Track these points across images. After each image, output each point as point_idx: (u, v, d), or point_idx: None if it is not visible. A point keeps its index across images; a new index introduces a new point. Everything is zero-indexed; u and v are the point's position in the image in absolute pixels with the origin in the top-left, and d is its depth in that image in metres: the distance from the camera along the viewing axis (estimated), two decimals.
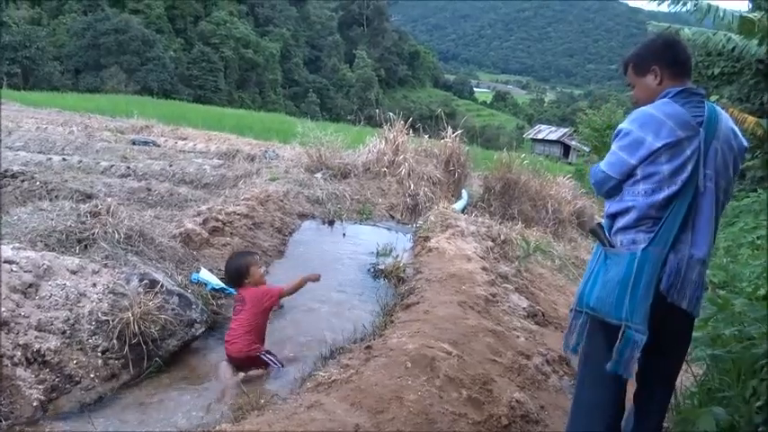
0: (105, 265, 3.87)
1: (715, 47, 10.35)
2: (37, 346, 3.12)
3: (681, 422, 2.58)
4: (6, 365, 2.94)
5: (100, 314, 3.48)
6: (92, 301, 3.54)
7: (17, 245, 3.75)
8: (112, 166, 10.18)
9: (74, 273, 3.66)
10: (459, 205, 8.72)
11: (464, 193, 9.63)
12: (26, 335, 3.13)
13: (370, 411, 2.72)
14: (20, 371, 2.98)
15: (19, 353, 3.03)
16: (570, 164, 37.79)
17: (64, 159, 10.47)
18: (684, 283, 2.12)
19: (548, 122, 76.14)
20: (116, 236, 4.24)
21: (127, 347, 3.45)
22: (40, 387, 3.01)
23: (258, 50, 70.90)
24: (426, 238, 6.21)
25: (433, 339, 3.50)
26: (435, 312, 4.02)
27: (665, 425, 2.56)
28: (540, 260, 6.44)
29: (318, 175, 8.82)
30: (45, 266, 3.55)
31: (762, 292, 4.09)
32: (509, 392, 3.18)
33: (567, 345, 2.34)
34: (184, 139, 15.86)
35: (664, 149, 2.09)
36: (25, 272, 3.44)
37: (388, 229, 7.45)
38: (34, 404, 2.93)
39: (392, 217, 8.22)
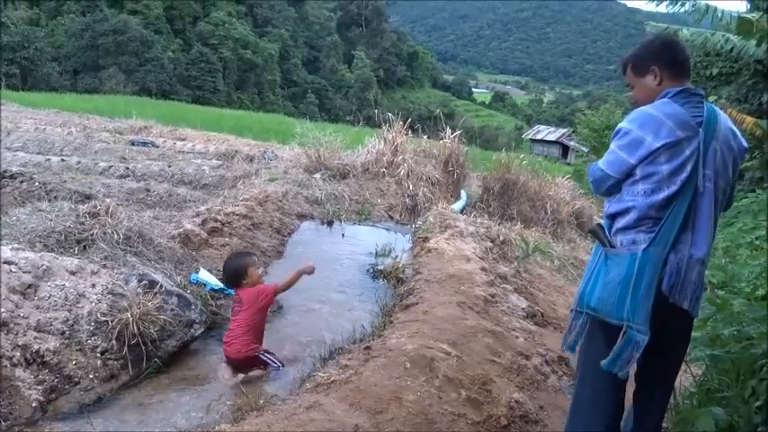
0: (104, 266, 3.87)
1: (713, 47, 10.36)
2: (36, 346, 3.12)
3: (680, 422, 2.58)
4: (5, 366, 2.94)
5: (99, 315, 3.48)
6: (91, 302, 3.54)
7: (16, 245, 3.75)
8: (111, 166, 10.17)
9: (73, 273, 3.66)
10: (458, 206, 8.73)
11: (463, 194, 9.63)
12: (25, 335, 3.13)
13: (369, 412, 2.73)
14: (19, 371, 2.98)
15: (18, 353, 3.03)
16: (569, 164, 37.77)
17: (63, 160, 10.46)
18: (685, 283, 2.13)
19: (546, 123, 76.14)
20: (115, 236, 4.24)
21: (126, 348, 3.45)
22: (39, 388, 3.01)
23: (257, 51, 70.90)
24: (425, 239, 6.21)
25: (432, 340, 3.50)
26: (434, 313, 4.02)
27: (664, 425, 2.57)
28: (539, 261, 6.44)
29: (317, 175, 8.82)
30: (44, 267, 3.55)
31: (760, 292, 4.09)
32: (508, 393, 3.18)
33: (566, 342, 2.34)
34: (183, 139, 15.85)
35: (663, 149, 2.09)
36: (24, 272, 3.44)
37: (387, 229, 7.45)
38: (33, 405, 2.93)
39: (391, 217, 8.22)
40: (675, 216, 2.10)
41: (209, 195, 8.10)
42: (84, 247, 4.09)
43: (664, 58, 2.27)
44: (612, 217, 2.25)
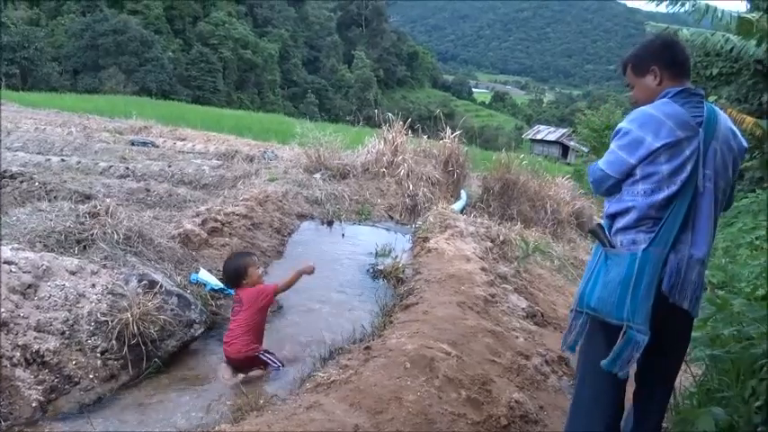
0: (104, 266, 3.87)
1: (713, 47, 10.36)
2: (36, 346, 3.12)
3: (680, 422, 2.58)
4: (5, 366, 2.94)
5: (99, 315, 3.49)
6: (91, 302, 3.54)
7: (16, 245, 3.75)
8: (111, 166, 10.17)
9: (73, 273, 3.66)
10: (457, 206, 8.73)
11: (463, 194, 9.63)
12: (25, 335, 3.13)
13: (369, 412, 2.73)
14: (19, 371, 2.98)
15: (18, 353, 3.03)
16: (569, 164, 37.75)
17: (63, 160, 10.46)
18: (685, 283, 2.13)
19: (546, 123, 76.13)
20: (115, 236, 4.24)
21: (126, 348, 3.45)
22: (39, 388, 3.01)
23: (257, 51, 70.91)
24: (425, 239, 6.21)
25: (432, 340, 3.50)
26: (434, 313, 4.03)
27: (664, 425, 2.57)
28: (539, 261, 6.44)
29: (317, 175, 8.82)
30: (44, 267, 3.55)
31: (760, 292, 4.09)
32: (508, 393, 3.18)
33: (566, 342, 2.34)
34: (183, 139, 15.86)
35: (663, 149, 2.09)
36: (24, 272, 3.44)
37: (387, 229, 7.45)
38: (33, 405, 2.93)
39: (391, 217, 8.22)
40: (675, 216, 2.10)
41: (209, 195, 8.10)
42: (84, 247, 4.09)
43: (664, 58, 2.27)
44: (612, 217, 2.25)
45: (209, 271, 4.70)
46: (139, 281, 3.84)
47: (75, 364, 3.23)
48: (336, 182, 8.70)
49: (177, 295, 3.97)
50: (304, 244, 6.39)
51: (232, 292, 4.14)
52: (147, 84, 54.67)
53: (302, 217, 7.15)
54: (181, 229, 5.15)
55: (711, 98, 12.16)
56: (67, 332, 3.32)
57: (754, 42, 8.85)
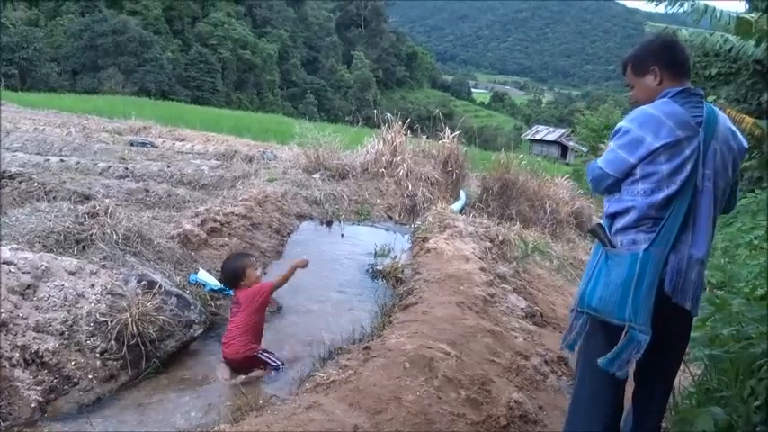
0: (103, 266, 3.87)
1: (712, 47, 10.38)
2: (35, 347, 3.12)
3: (679, 422, 2.58)
4: (5, 366, 2.94)
5: (98, 315, 3.48)
6: (90, 302, 3.54)
7: (15, 246, 3.75)
8: (110, 167, 10.16)
9: (72, 274, 3.66)
10: (457, 206, 8.73)
11: (462, 194, 9.63)
12: (24, 336, 3.13)
13: (368, 412, 2.73)
14: (18, 372, 2.98)
15: (17, 354, 3.03)
16: (568, 164, 37.79)
17: (62, 160, 10.45)
18: (686, 283, 2.13)
19: (545, 123, 76.18)
20: (114, 237, 4.24)
21: (125, 348, 3.44)
22: (38, 388, 3.01)
23: (256, 51, 70.85)
24: (424, 239, 6.21)
25: (431, 340, 3.51)
26: (434, 313, 4.03)
27: (663, 424, 2.57)
28: (539, 260, 6.44)
29: (316, 175, 8.82)
30: (43, 267, 3.54)
31: (760, 292, 4.10)
32: (507, 393, 3.18)
33: (565, 341, 2.34)
34: (182, 140, 15.84)
35: (663, 149, 2.10)
36: (23, 273, 3.44)
37: (387, 229, 7.45)
38: (32, 405, 2.93)
39: (390, 218, 8.22)
40: (676, 216, 2.11)
41: (208, 196, 8.09)
42: (84, 247, 4.09)
43: (664, 58, 2.28)
44: (612, 217, 2.25)
45: (209, 271, 4.70)
46: (139, 281, 3.84)
47: (75, 364, 3.23)
48: (335, 182, 8.70)
49: (176, 295, 3.97)
50: (303, 244, 6.39)
51: (231, 292, 4.15)
52: (146, 84, 54.63)
53: (301, 217, 7.15)
54: (180, 230, 5.15)
55: (710, 98, 12.17)
56: (67, 332, 3.32)
57: (752, 42, 8.86)
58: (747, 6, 12.96)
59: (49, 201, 5.87)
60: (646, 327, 2.07)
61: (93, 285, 3.66)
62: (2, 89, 30.26)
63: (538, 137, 61.26)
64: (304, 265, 4.15)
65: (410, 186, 8.87)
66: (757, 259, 6.36)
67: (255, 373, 3.65)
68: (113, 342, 3.42)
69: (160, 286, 3.88)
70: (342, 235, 6.99)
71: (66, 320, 3.36)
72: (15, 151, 11.32)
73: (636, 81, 2.36)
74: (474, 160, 11.52)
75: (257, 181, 8.16)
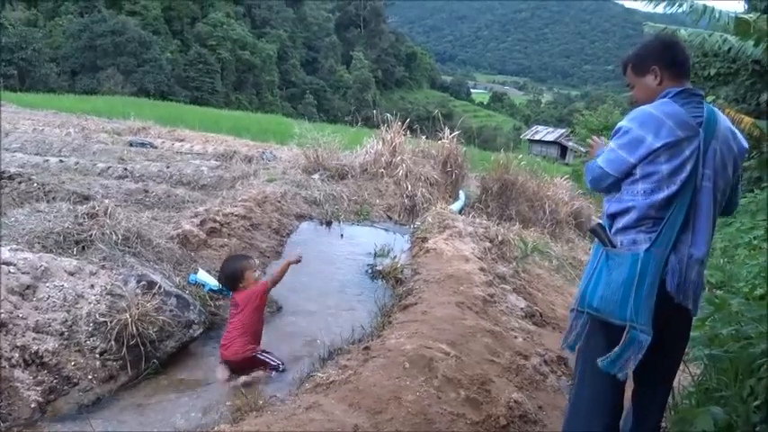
0: (103, 267, 3.87)
1: (711, 48, 10.37)
2: (35, 347, 3.12)
3: (679, 422, 2.58)
4: (4, 367, 2.94)
5: (98, 315, 3.48)
6: (89, 303, 3.54)
7: (15, 246, 3.74)
8: (109, 167, 10.16)
9: (71, 274, 3.66)
10: (456, 206, 8.73)
11: (461, 194, 9.63)
12: (24, 336, 3.13)
13: (368, 412, 2.73)
14: (18, 372, 2.98)
15: (17, 354, 3.03)
16: (567, 165, 37.74)
17: (61, 161, 10.44)
18: (686, 282, 2.14)
19: (545, 123, 76.20)
20: (113, 237, 4.24)
21: (125, 349, 3.44)
22: (38, 389, 3.01)
23: (255, 52, 70.79)
24: (424, 239, 6.21)
25: (431, 340, 3.51)
26: (433, 313, 4.03)
27: (663, 424, 2.57)
28: (538, 261, 6.45)
29: (316, 176, 8.82)
30: (43, 268, 3.54)
31: (759, 291, 4.11)
32: (507, 393, 3.18)
33: (566, 341, 2.34)
34: (181, 140, 15.83)
35: (663, 149, 2.10)
36: (23, 273, 3.44)
37: (386, 229, 7.45)
38: (32, 406, 2.93)
39: (390, 218, 8.22)
40: (676, 216, 2.11)
41: (207, 196, 8.09)
42: (83, 247, 4.09)
43: (664, 58, 2.28)
44: (612, 217, 2.26)
45: (208, 271, 4.70)
46: (138, 281, 3.84)
47: (74, 364, 3.23)
48: (335, 182, 8.70)
49: (176, 296, 3.97)
50: (303, 244, 6.39)
51: (230, 293, 4.14)
52: (146, 85, 54.58)
53: (301, 217, 7.15)
54: (179, 230, 5.15)
55: (709, 98, 12.16)
56: (66, 333, 3.32)
57: (751, 43, 8.86)
58: (746, 6, 12.98)
59: (48, 201, 5.86)
60: (647, 327, 2.07)
61: (92, 286, 3.66)
62: (1, 90, 30.25)
63: (537, 137, 61.29)
64: (296, 260, 4.13)
65: (409, 186, 8.87)
66: (756, 259, 6.37)
67: (256, 373, 3.65)
68: (113, 342, 3.42)
69: (160, 287, 3.88)
70: (341, 235, 6.99)
71: (66, 321, 3.36)
72: (14, 152, 11.31)
73: (636, 81, 2.36)
74: (473, 160, 11.53)
75: (256, 181, 8.15)
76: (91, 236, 4.16)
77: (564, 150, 55.03)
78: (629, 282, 2.10)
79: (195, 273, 4.60)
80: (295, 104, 72.76)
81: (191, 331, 3.92)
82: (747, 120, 9.85)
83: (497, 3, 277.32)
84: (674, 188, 2.10)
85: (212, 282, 4.54)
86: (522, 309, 4.72)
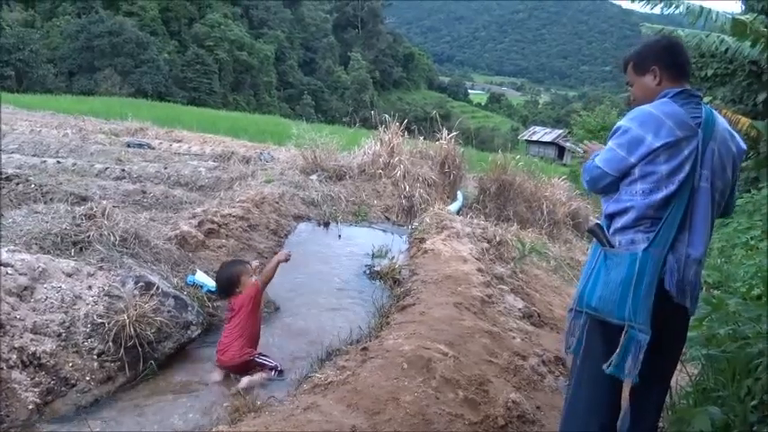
0: (101, 268, 3.87)
1: (708, 48, 10.39)
2: (32, 348, 3.11)
3: (676, 422, 2.59)
4: (2, 368, 2.93)
5: (95, 317, 3.48)
6: (87, 304, 3.53)
7: (12, 247, 3.74)
8: (107, 168, 10.14)
9: (69, 275, 3.65)
10: (454, 207, 8.74)
11: (459, 195, 9.64)
12: (21, 338, 3.12)
13: (366, 412, 2.73)
14: (15, 374, 2.98)
15: (14, 356, 3.02)
16: (565, 165, 37.81)
17: (58, 162, 10.42)
18: (684, 282, 2.14)
19: (542, 124, 76.21)
20: (111, 238, 4.23)
21: (122, 350, 3.44)
22: (35, 390, 3.00)
23: (253, 53, 70.76)
24: (422, 240, 6.21)
25: (429, 340, 3.51)
26: (431, 314, 4.03)
27: (660, 424, 2.57)
28: (536, 261, 6.45)
29: (314, 176, 8.82)
30: (40, 269, 3.54)
31: (756, 291, 4.12)
32: (505, 393, 3.19)
33: (569, 346, 2.34)
34: (179, 141, 15.82)
35: (662, 149, 2.11)
36: (20, 275, 3.43)
37: (384, 230, 7.45)
38: (30, 407, 2.92)
39: (388, 218, 8.22)
40: (674, 216, 2.12)
41: (205, 197, 8.08)
42: (81, 248, 4.09)
43: (664, 59, 2.30)
44: (611, 217, 2.26)
45: (206, 272, 4.69)
46: (136, 283, 3.83)
47: (72, 366, 3.23)
48: (333, 183, 8.70)
49: (174, 297, 3.97)
50: (301, 245, 6.38)
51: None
52: (143, 85, 54.54)
53: (299, 218, 7.15)
54: (177, 231, 5.15)
55: (706, 99, 12.19)
56: (64, 334, 3.32)
57: (748, 43, 8.88)
58: (743, 7, 13.00)
59: (45, 202, 5.86)
60: (645, 326, 2.07)
61: (90, 287, 3.66)
62: None
63: (535, 138, 61.32)
64: (285, 258, 4.05)
65: (407, 187, 8.88)
66: (753, 259, 6.38)
67: (256, 376, 3.63)
68: (111, 344, 3.42)
69: (157, 288, 3.88)
70: (339, 236, 6.99)
71: (64, 322, 3.36)
72: (12, 153, 11.30)
73: (636, 79, 2.38)
74: (471, 161, 11.55)
75: (254, 182, 8.15)
76: (88, 237, 4.16)
77: (561, 151, 55.11)
78: (628, 281, 2.10)
79: (193, 274, 4.59)
80: (293, 105, 72.72)
81: (189, 332, 3.92)
82: (744, 120, 9.87)
83: (495, 3, 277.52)
84: (672, 188, 2.11)
85: (210, 283, 4.53)
86: (519, 309, 4.72)
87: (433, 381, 3.09)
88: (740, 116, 10.29)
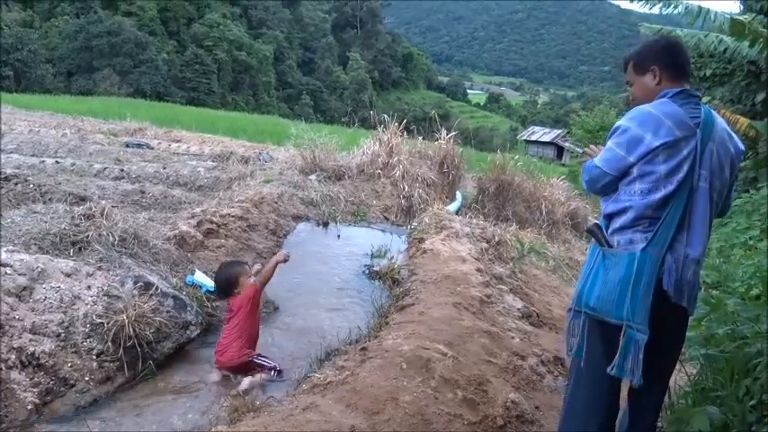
0: (99, 268, 3.87)
1: (707, 48, 10.39)
2: (31, 349, 3.11)
3: (675, 421, 2.59)
4: (1, 369, 2.93)
5: (94, 317, 3.48)
6: (86, 304, 3.53)
7: (11, 248, 3.73)
8: (106, 168, 10.14)
9: (68, 275, 3.65)
10: (453, 207, 8.74)
11: (458, 195, 9.65)
12: (20, 338, 3.12)
13: (365, 412, 2.73)
14: (14, 374, 2.98)
15: (13, 356, 3.02)
16: (564, 165, 37.85)
17: (57, 162, 10.42)
18: (683, 282, 2.14)
19: (541, 124, 76.25)
20: (110, 238, 4.23)
21: (121, 350, 3.44)
22: (34, 390, 3.00)
23: (251, 53, 70.68)
24: (421, 240, 6.21)
25: (428, 340, 3.51)
26: (430, 314, 4.03)
27: (659, 424, 2.58)
28: (535, 261, 6.46)
29: (313, 177, 8.82)
30: (39, 269, 3.54)
31: (755, 291, 4.12)
32: (504, 393, 3.19)
33: (570, 347, 2.33)
34: (178, 141, 15.82)
35: (662, 149, 2.11)
36: (19, 275, 3.43)
37: (383, 230, 7.46)
38: (29, 407, 2.92)
39: (387, 219, 8.22)
40: (673, 216, 2.12)
41: (204, 197, 8.08)
42: (80, 249, 4.08)
43: (664, 58, 2.30)
44: (609, 217, 2.26)
45: (205, 273, 4.69)
46: (135, 283, 3.83)
47: (71, 366, 3.23)
48: (332, 183, 8.70)
49: (173, 297, 3.96)
50: (300, 245, 6.39)
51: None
52: (142, 85, 54.48)
53: (298, 218, 7.15)
54: (176, 231, 5.15)
55: (705, 99, 12.21)
56: (63, 334, 3.31)
57: (747, 44, 8.89)
58: (742, 7, 13.02)
59: (44, 202, 5.85)
60: (643, 326, 2.08)
61: (89, 287, 3.65)
62: None
63: (533, 138, 61.36)
64: (284, 259, 4.04)
65: (406, 187, 8.88)
66: (752, 259, 6.38)
67: (257, 377, 3.63)
68: (110, 344, 3.42)
69: (156, 288, 3.88)
70: (338, 236, 6.99)
71: (63, 322, 3.35)
72: (10, 153, 11.29)
73: (636, 79, 2.38)
74: (470, 161, 11.57)
75: (253, 182, 8.15)
76: (87, 237, 4.15)
77: (560, 151, 55.14)
78: (626, 281, 2.10)
79: (192, 274, 4.59)
80: (292, 105, 72.67)
81: (188, 332, 3.91)
82: (743, 120, 9.87)
83: (494, 3, 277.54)
84: (670, 188, 2.11)
85: (209, 283, 4.53)
86: (518, 309, 4.72)
87: (432, 381, 3.09)
88: (739, 116, 10.29)
